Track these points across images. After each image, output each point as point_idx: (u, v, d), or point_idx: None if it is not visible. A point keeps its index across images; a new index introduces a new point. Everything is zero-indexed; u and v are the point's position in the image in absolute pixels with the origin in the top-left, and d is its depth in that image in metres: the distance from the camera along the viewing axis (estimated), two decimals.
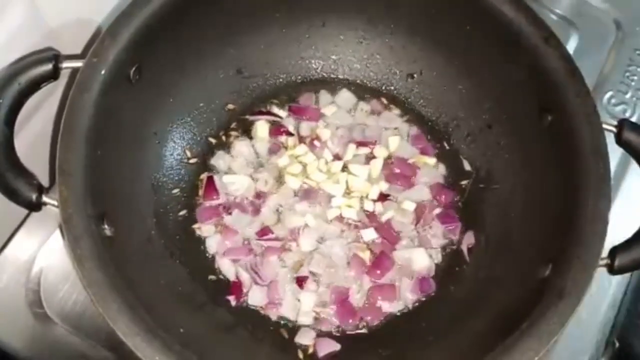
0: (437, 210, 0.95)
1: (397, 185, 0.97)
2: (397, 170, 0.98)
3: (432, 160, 0.99)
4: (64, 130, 0.75)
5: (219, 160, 0.97)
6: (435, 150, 1.00)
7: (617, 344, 0.95)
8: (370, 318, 0.89)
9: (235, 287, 0.89)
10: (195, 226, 0.93)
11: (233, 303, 0.88)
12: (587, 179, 0.78)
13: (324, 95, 1.03)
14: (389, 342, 0.87)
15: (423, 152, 1.00)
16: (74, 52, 0.90)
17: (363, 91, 1.04)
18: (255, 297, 0.89)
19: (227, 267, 0.91)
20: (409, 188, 0.97)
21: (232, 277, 0.90)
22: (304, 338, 0.87)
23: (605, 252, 0.76)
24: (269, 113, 1.00)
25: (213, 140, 0.98)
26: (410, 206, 0.95)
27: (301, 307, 0.88)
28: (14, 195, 0.75)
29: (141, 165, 0.90)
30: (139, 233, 0.86)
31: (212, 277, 0.90)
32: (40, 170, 0.82)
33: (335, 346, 0.86)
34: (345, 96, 1.03)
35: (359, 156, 0.98)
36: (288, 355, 0.85)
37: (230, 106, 1.00)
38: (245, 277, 0.90)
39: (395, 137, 0.99)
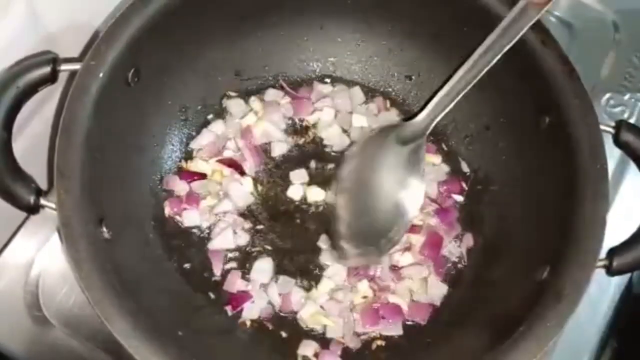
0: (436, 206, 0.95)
1: None
2: None
3: (437, 159, 0.98)
4: (62, 133, 0.75)
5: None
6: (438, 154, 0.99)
7: (616, 346, 0.95)
8: (418, 318, 0.87)
9: (234, 299, 0.88)
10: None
11: (230, 313, 0.87)
12: (585, 180, 0.78)
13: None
14: (386, 345, 0.87)
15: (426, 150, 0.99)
16: (72, 56, 0.90)
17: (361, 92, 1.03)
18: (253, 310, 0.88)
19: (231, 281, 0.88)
20: None
21: (235, 290, 0.88)
22: (307, 350, 0.85)
23: (603, 253, 0.76)
24: None
25: None
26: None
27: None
28: (12, 198, 0.75)
29: (140, 167, 0.90)
30: (137, 236, 0.86)
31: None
32: (38, 173, 0.82)
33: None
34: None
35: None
36: (288, 358, 0.85)
37: None
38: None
39: None
